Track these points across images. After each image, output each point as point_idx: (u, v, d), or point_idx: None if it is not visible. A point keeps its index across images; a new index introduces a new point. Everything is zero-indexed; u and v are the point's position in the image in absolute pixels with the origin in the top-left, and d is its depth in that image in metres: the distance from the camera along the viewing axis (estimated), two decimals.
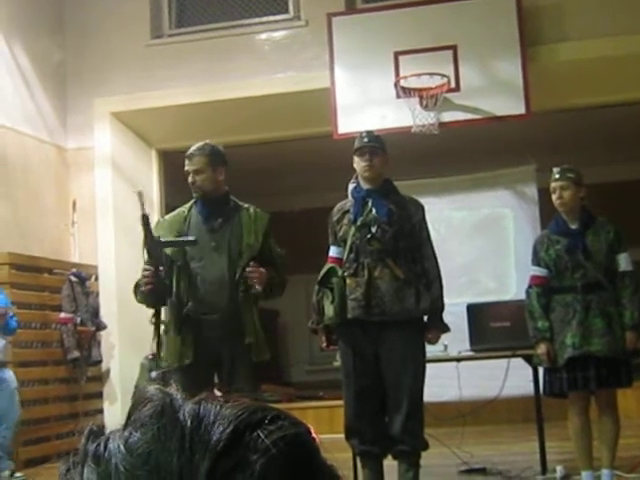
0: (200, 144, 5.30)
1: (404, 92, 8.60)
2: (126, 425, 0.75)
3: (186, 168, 5.23)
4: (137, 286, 5.10)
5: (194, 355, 5.04)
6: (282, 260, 5.33)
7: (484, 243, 9.86)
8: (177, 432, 0.72)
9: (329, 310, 5.47)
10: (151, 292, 4.97)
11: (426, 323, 5.59)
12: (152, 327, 5.10)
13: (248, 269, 5.03)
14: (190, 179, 5.22)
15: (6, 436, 7.53)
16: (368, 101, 8.80)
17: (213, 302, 5.06)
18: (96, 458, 0.74)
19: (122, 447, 0.73)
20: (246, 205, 5.32)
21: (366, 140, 5.63)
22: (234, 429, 0.72)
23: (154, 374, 9.14)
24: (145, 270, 5.01)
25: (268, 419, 0.74)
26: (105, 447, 0.74)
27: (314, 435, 0.77)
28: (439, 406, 8.10)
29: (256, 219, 5.25)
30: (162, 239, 5.05)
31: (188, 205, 5.37)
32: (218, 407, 0.74)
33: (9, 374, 7.64)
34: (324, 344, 5.73)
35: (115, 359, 9.62)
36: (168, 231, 5.23)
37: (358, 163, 5.63)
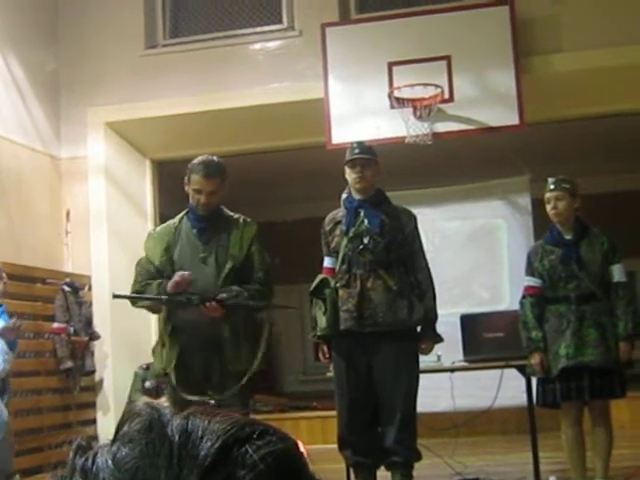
0: (211, 160, 5.22)
1: (398, 102, 8.60)
2: (114, 440, 0.75)
3: (198, 187, 5.13)
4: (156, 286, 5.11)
5: (179, 364, 5.04)
6: (269, 269, 5.31)
7: (478, 253, 9.86)
8: (165, 447, 0.72)
9: (322, 321, 5.47)
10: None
11: (419, 333, 5.59)
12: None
13: (208, 305, 5.01)
14: (203, 199, 5.14)
15: None
16: (362, 111, 8.80)
17: (200, 313, 5.05)
18: (84, 473, 0.74)
19: (110, 462, 0.72)
20: (236, 215, 5.31)
21: (357, 151, 5.63)
22: (222, 444, 0.72)
23: (148, 384, 9.14)
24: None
25: (256, 434, 0.73)
26: (93, 462, 0.74)
27: (303, 450, 0.77)
28: (432, 416, 8.11)
29: (244, 229, 5.24)
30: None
31: (179, 217, 5.35)
32: (206, 422, 0.74)
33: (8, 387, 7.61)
34: (325, 357, 5.70)
35: (108, 369, 9.59)
36: (158, 242, 5.24)
37: (349, 175, 5.64)
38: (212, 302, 4.97)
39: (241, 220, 5.28)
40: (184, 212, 5.36)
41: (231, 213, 5.32)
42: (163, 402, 6.15)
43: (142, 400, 8.55)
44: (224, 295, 5.00)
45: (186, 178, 5.20)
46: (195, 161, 5.24)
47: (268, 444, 0.73)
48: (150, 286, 5.14)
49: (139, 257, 5.41)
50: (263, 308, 5.24)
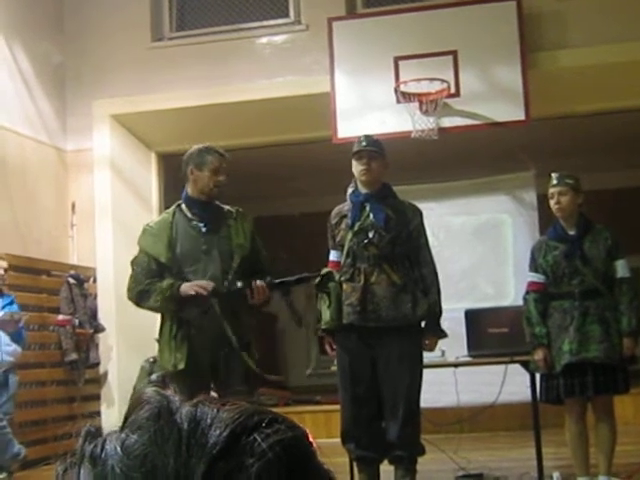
0: (215, 147, 5.27)
1: (404, 97, 8.60)
2: (123, 427, 0.75)
3: (217, 165, 5.15)
4: (169, 288, 5.06)
5: (188, 360, 5.00)
6: (267, 261, 5.31)
7: (483, 249, 9.85)
8: (174, 435, 0.72)
9: (326, 315, 5.47)
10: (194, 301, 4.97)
11: (423, 329, 5.58)
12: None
13: (255, 286, 5.00)
14: (223, 179, 5.17)
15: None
16: (368, 106, 8.80)
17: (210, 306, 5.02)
18: (93, 459, 0.74)
19: (119, 449, 0.73)
20: (227, 207, 5.29)
21: (364, 144, 5.63)
22: (231, 432, 0.72)
23: (154, 377, 9.14)
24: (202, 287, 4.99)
25: (265, 423, 0.74)
26: (102, 448, 0.74)
27: (311, 439, 0.77)
28: (437, 412, 8.10)
29: (241, 219, 5.23)
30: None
31: (171, 210, 5.29)
32: (215, 410, 0.74)
33: (14, 379, 7.61)
34: (332, 349, 5.70)
35: (113, 361, 9.61)
36: (159, 238, 5.14)
37: (356, 167, 5.63)
38: (258, 285, 4.97)
39: (234, 210, 5.26)
40: (175, 206, 5.30)
41: (222, 205, 5.30)
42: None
43: (150, 388, 8.55)
44: (268, 279, 5.01)
45: (191, 166, 5.15)
46: (198, 148, 5.21)
47: (276, 432, 0.73)
48: (155, 286, 5.05)
49: None
50: (303, 281, 5.18)
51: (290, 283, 5.06)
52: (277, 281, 5.03)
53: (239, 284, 5.00)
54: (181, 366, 4.99)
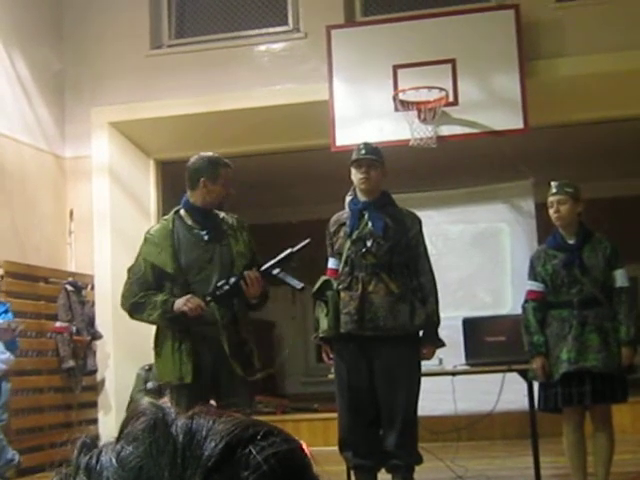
0: (222, 158, 5.26)
1: (402, 105, 8.61)
2: (119, 438, 0.75)
3: (227, 179, 5.15)
4: (163, 304, 5.03)
5: (193, 373, 4.97)
6: None
7: (481, 257, 9.85)
8: (169, 447, 0.72)
9: (323, 323, 5.46)
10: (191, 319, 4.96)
11: (421, 338, 5.57)
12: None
13: (247, 274, 4.98)
14: (233, 191, 5.19)
15: None
16: (366, 114, 8.80)
17: (210, 315, 5.01)
18: (88, 471, 0.74)
19: (114, 460, 0.73)
20: (222, 214, 5.27)
21: (363, 152, 5.63)
22: (226, 445, 0.72)
23: (150, 384, 9.13)
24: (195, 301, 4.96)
25: (260, 435, 0.73)
26: (97, 460, 0.74)
27: (307, 451, 0.77)
28: (434, 420, 8.09)
29: (238, 227, 5.22)
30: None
31: (170, 217, 5.25)
32: (211, 422, 0.74)
33: (6, 387, 7.60)
34: (329, 357, 5.69)
35: (110, 369, 9.60)
36: (162, 248, 5.10)
37: (355, 175, 5.63)
38: (249, 273, 4.96)
39: (230, 219, 5.23)
40: (173, 212, 5.27)
41: (217, 212, 5.26)
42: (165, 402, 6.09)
43: (145, 399, 8.51)
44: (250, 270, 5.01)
45: (204, 178, 5.08)
46: (208, 158, 5.18)
47: (272, 445, 0.73)
48: (150, 299, 5.02)
49: None
50: (291, 258, 5.13)
51: (277, 264, 5.04)
52: (264, 267, 5.02)
53: (232, 279, 4.99)
54: (188, 379, 4.93)
